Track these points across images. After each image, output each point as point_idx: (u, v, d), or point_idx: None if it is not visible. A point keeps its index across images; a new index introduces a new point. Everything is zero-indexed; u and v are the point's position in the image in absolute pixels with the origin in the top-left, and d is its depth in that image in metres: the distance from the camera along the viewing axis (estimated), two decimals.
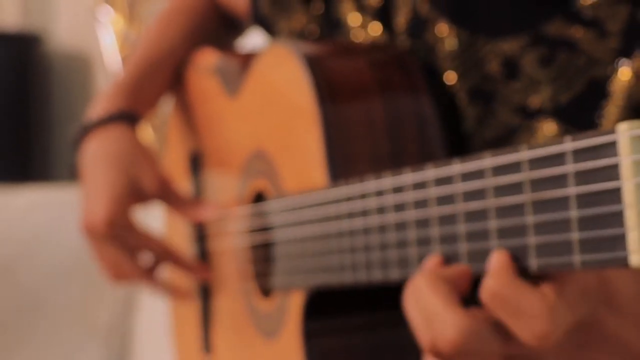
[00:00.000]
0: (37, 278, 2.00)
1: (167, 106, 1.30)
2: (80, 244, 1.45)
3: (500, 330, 0.70)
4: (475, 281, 0.74)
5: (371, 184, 0.82)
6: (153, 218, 1.33)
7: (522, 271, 0.69)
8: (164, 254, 1.17)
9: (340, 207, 0.86)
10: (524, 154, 0.67)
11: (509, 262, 0.69)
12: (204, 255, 1.22)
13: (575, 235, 0.64)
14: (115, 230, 1.12)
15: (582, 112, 0.88)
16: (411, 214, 0.78)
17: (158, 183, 1.15)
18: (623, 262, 0.60)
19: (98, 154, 1.15)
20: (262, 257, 1.06)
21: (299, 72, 0.94)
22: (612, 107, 0.87)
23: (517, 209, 0.68)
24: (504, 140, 0.91)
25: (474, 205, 0.72)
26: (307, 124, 0.93)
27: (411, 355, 0.89)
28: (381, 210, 0.81)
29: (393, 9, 0.98)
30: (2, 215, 2.06)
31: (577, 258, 0.64)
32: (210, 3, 1.28)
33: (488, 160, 0.70)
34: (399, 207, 0.79)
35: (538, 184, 0.67)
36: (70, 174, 1.22)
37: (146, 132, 2.14)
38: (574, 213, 0.64)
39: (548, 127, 0.89)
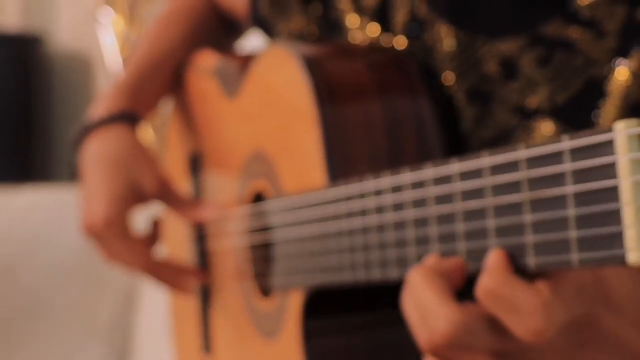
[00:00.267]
0: (37, 278, 2.00)
1: (167, 107, 1.31)
2: (81, 244, 1.46)
3: (495, 325, 0.71)
4: (472, 278, 0.75)
5: (370, 184, 0.82)
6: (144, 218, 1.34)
7: (519, 270, 0.70)
8: (159, 265, 1.18)
9: (340, 207, 0.86)
10: (522, 153, 0.68)
11: (505, 260, 0.70)
12: (204, 256, 1.22)
13: (573, 234, 0.64)
14: (113, 231, 1.12)
15: (579, 112, 0.88)
16: (410, 214, 0.78)
17: (158, 184, 1.15)
18: (621, 260, 0.61)
19: (98, 155, 1.16)
20: (262, 257, 1.06)
21: (298, 73, 0.94)
22: (610, 107, 0.88)
23: (516, 208, 0.69)
24: (502, 140, 0.91)
25: (473, 204, 0.72)
26: (306, 125, 0.93)
27: (411, 355, 0.89)
28: (380, 210, 0.81)
29: (391, 10, 0.99)
30: (2, 215, 2.06)
31: (575, 256, 0.64)
32: (209, 5, 1.28)
33: (486, 160, 0.71)
34: (398, 207, 0.79)
35: (536, 183, 0.67)
36: (71, 174, 1.22)
37: (147, 133, 2.15)
38: (571, 212, 0.64)
39: (546, 127, 0.90)
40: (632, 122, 0.60)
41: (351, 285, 0.86)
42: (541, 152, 0.66)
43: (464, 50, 0.93)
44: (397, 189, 0.79)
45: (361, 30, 1.01)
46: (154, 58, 1.23)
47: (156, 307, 1.87)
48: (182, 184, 1.26)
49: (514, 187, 0.69)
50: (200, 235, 1.22)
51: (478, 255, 0.72)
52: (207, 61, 1.21)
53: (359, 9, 1.01)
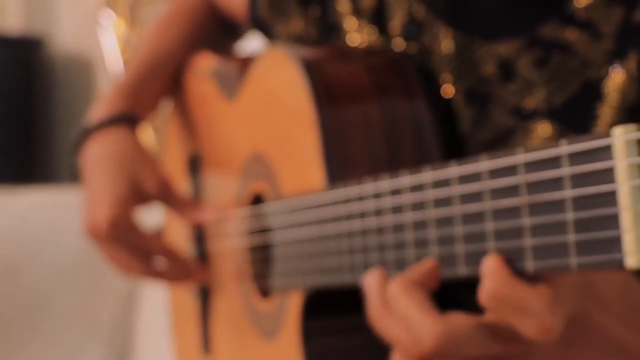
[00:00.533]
0: (39, 278, 2.00)
1: (167, 108, 1.31)
2: (82, 245, 1.46)
3: (493, 331, 0.71)
4: (465, 284, 0.75)
5: (369, 187, 0.83)
6: (150, 218, 1.34)
7: (517, 273, 0.70)
8: (166, 254, 1.18)
9: (339, 209, 0.86)
10: (520, 157, 0.68)
11: (503, 264, 0.70)
12: (203, 256, 1.22)
13: (571, 238, 0.64)
14: (117, 232, 1.12)
15: (576, 113, 0.89)
16: (409, 216, 0.78)
17: (159, 184, 1.16)
18: (619, 264, 0.61)
19: (99, 156, 1.16)
20: (261, 258, 1.07)
21: (296, 75, 0.95)
22: (606, 109, 0.88)
23: (514, 212, 0.69)
24: (500, 141, 0.91)
25: (471, 207, 0.72)
26: (304, 127, 0.94)
27: None
28: (379, 212, 0.82)
29: (388, 12, 0.99)
30: (4, 216, 2.06)
31: (573, 260, 0.64)
32: (208, 7, 1.28)
33: (485, 163, 0.71)
34: (397, 209, 0.80)
35: (534, 187, 0.67)
36: (72, 175, 1.22)
37: (147, 134, 2.15)
38: (570, 215, 0.64)
39: (543, 128, 0.90)
40: (630, 127, 0.60)
41: (350, 286, 0.86)
42: (539, 157, 0.66)
43: (462, 51, 0.93)
44: (395, 192, 0.80)
45: (359, 32, 1.01)
46: (153, 59, 1.24)
47: (156, 308, 1.88)
48: (181, 185, 1.26)
49: (512, 190, 0.69)
50: (200, 236, 1.22)
51: (476, 258, 0.73)
52: (205, 63, 1.21)
53: (357, 11, 1.02)
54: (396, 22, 0.98)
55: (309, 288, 0.94)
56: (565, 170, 0.64)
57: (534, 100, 0.90)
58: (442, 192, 0.75)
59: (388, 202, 0.80)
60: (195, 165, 1.24)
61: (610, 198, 0.61)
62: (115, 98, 1.20)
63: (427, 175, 0.76)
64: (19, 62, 2.96)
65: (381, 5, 1.00)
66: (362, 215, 0.83)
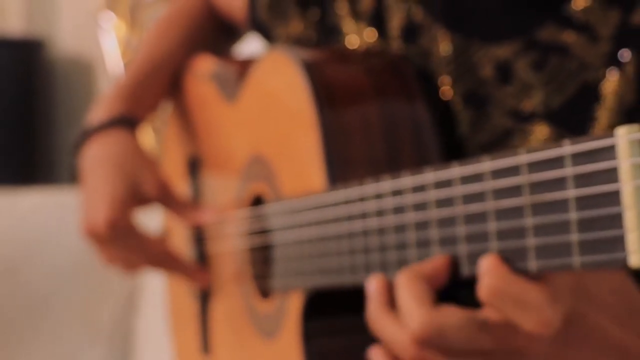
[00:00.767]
0: (39, 279, 2.00)
1: (167, 110, 1.31)
2: (82, 246, 1.46)
3: (476, 326, 0.72)
4: (461, 283, 0.76)
5: (370, 187, 0.83)
6: (151, 220, 1.34)
7: (517, 271, 0.71)
8: (165, 256, 1.18)
9: (340, 209, 0.87)
10: (522, 158, 0.68)
11: (500, 262, 0.71)
12: (203, 258, 1.22)
13: (574, 237, 0.65)
14: (116, 233, 1.13)
15: (574, 115, 0.89)
16: (410, 217, 0.79)
17: (158, 186, 1.16)
18: (622, 263, 0.61)
19: (99, 158, 1.16)
20: (261, 259, 1.07)
21: (297, 77, 0.95)
22: (604, 111, 0.88)
23: (517, 212, 0.69)
24: (498, 143, 0.92)
25: (474, 207, 0.73)
26: (305, 128, 0.94)
27: None
28: (380, 213, 0.82)
29: (387, 15, 0.99)
30: (5, 217, 2.06)
31: (576, 259, 0.65)
32: (208, 9, 1.28)
33: (487, 164, 0.71)
34: (398, 210, 0.80)
35: (537, 187, 0.68)
36: (73, 176, 1.23)
37: (147, 136, 2.15)
38: (573, 215, 0.65)
39: (541, 130, 0.90)
40: (634, 127, 0.61)
41: (351, 286, 0.86)
42: (542, 157, 0.67)
43: (460, 54, 0.93)
44: (397, 193, 0.80)
45: (358, 34, 1.02)
46: (152, 61, 1.24)
47: (157, 309, 1.88)
48: (180, 187, 1.26)
49: (515, 190, 0.69)
50: (199, 237, 1.23)
51: (479, 258, 0.73)
52: (205, 65, 1.22)
53: (356, 14, 1.02)
54: (395, 25, 0.99)
55: (309, 289, 0.94)
56: (569, 171, 0.65)
57: (532, 102, 0.90)
58: (444, 193, 0.75)
59: (390, 202, 0.81)
60: (194, 167, 1.25)
61: (613, 198, 0.62)
62: (114, 100, 1.20)
63: (429, 175, 0.77)
64: (19, 64, 2.96)
65: (380, 7, 1.00)
66: (364, 215, 0.84)
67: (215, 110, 1.18)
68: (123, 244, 1.14)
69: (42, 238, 2.03)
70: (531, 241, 0.69)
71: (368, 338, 0.83)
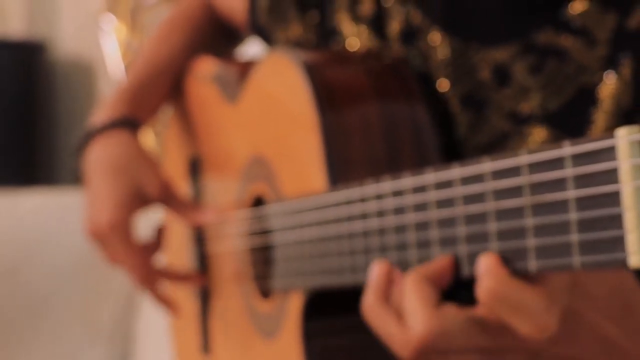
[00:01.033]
0: (40, 279, 2.00)
1: (168, 112, 1.32)
2: (83, 247, 1.46)
3: (476, 325, 0.73)
4: (463, 281, 0.77)
5: (371, 188, 0.83)
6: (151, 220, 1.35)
7: (518, 272, 0.71)
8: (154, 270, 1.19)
9: (340, 210, 0.87)
10: (523, 159, 0.69)
11: (499, 262, 0.71)
12: (203, 258, 1.22)
13: (574, 237, 0.65)
14: (119, 233, 1.13)
15: (571, 118, 0.89)
16: (411, 217, 0.79)
17: (160, 187, 1.16)
18: (622, 263, 0.62)
19: (101, 160, 1.16)
20: (262, 259, 1.07)
21: (298, 79, 0.95)
22: (601, 114, 0.88)
23: (517, 212, 0.70)
24: (496, 145, 0.92)
25: (474, 208, 0.73)
26: (306, 129, 0.94)
27: None
28: (381, 213, 0.82)
29: (386, 18, 0.99)
30: (7, 218, 2.07)
31: (576, 259, 0.65)
32: (209, 13, 1.28)
33: (488, 165, 0.72)
34: (399, 210, 0.80)
35: (538, 188, 0.68)
36: (74, 177, 1.23)
37: (148, 138, 2.16)
38: (573, 216, 0.65)
39: (538, 132, 0.90)
40: (634, 128, 0.61)
41: (351, 286, 0.87)
42: (543, 158, 0.67)
43: (458, 57, 0.94)
44: (397, 193, 0.80)
45: (357, 37, 1.02)
46: (154, 64, 1.24)
47: (157, 309, 1.88)
48: (182, 188, 1.26)
49: (515, 191, 0.70)
50: (200, 238, 1.23)
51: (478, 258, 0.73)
52: (206, 67, 1.22)
53: (355, 17, 1.02)
54: (394, 28, 0.99)
55: (310, 289, 0.94)
56: (569, 171, 0.65)
57: (530, 105, 0.91)
58: (444, 193, 0.76)
59: (390, 203, 0.81)
60: (195, 168, 1.25)
61: (613, 198, 0.62)
62: (117, 102, 1.21)
63: (430, 176, 0.77)
64: (21, 66, 2.96)
65: (379, 11, 1.00)
66: (364, 216, 0.84)
67: (216, 112, 1.18)
68: (125, 244, 1.15)
69: (42, 238, 2.03)
70: (531, 241, 0.69)
71: (368, 338, 0.83)
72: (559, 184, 0.66)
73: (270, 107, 1.03)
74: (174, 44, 1.26)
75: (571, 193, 0.65)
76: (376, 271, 0.79)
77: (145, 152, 1.18)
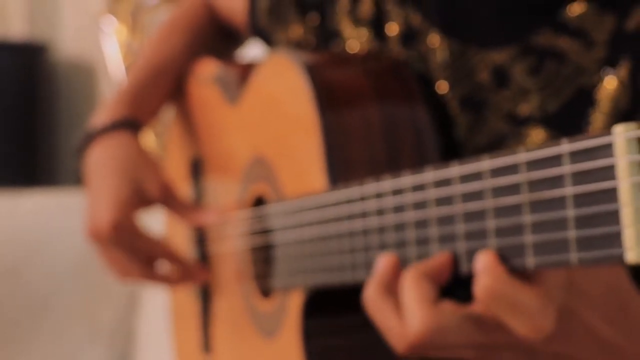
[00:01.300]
0: (41, 280, 2.00)
1: (169, 114, 1.32)
2: (85, 247, 1.46)
3: (472, 322, 0.74)
4: (461, 278, 0.77)
5: (371, 187, 0.83)
6: (154, 221, 1.35)
7: (515, 269, 0.71)
8: (167, 256, 1.19)
9: (341, 209, 0.87)
10: (521, 156, 0.69)
11: (497, 260, 0.72)
12: (204, 258, 1.22)
13: (572, 234, 0.65)
14: (120, 234, 1.13)
15: (569, 119, 0.90)
16: (410, 215, 0.79)
17: (161, 188, 1.16)
18: (619, 259, 0.62)
19: (102, 160, 1.17)
20: (262, 258, 1.07)
21: (299, 80, 0.95)
22: (599, 115, 0.89)
23: (515, 209, 0.70)
24: (495, 146, 0.92)
25: (472, 205, 0.73)
26: (306, 130, 0.94)
27: None
28: (381, 212, 0.82)
29: (386, 21, 1.00)
30: (8, 219, 2.07)
31: (574, 256, 0.65)
32: (210, 15, 1.29)
33: (486, 163, 0.72)
34: (399, 209, 0.80)
35: (536, 185, 0.68)
36: (75, 179, 1.23)
37: (149, 139, 2.16)
38: (570, 212, 0.65)
39: (537, 134, 0.91)
40: (630, 125, 0.61)
41: (351, 285, 0.87)
42: (541, 155, 0.67)
43: (457, 59, 0.94)
44: (397, 192, 0.80)
45: (357, 39, 1.03)
46: (155, 66, 1.24)
47: (157, 309, 1.88)
48: (183, 189, 1.27)
49: (513, 188, 0.70)
50: (201, 238, 1.23)
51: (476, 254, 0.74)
52: (207, 69, 1.22)
53: (355, 19, 1.02)
54: (393, 30, 0.99)
55: (310, 287, 0.94)
56: (567, 168, 0.65)
57: (528, 106, 0.91)
58: (443, 191, 0.76)
59: (390, 201, 0.81)
60: (197, 168, 1.25)
61: (610, 195, 0.62)
62: (118, 104, 1.21)
63: (429, 175, 0.77)
64: (22, 68, 2.97)
65: (379, 13, 1.01)
66: (364, 215, 0.84)
67: (217, 113, 1.18)
68: (126, 246, 1.15)
69: (43, 239, 2.04)
70: (529, 238, 0.69)
71: (368, 337, 0.84)
72: (556, 181, 0.66)
73: (271, 108, 1.04)
74: (174, 45, 1.26)
75: (569, 190, 0.66)
76: (383, 263, 0.79)
77: (146, 153, 1.18)
